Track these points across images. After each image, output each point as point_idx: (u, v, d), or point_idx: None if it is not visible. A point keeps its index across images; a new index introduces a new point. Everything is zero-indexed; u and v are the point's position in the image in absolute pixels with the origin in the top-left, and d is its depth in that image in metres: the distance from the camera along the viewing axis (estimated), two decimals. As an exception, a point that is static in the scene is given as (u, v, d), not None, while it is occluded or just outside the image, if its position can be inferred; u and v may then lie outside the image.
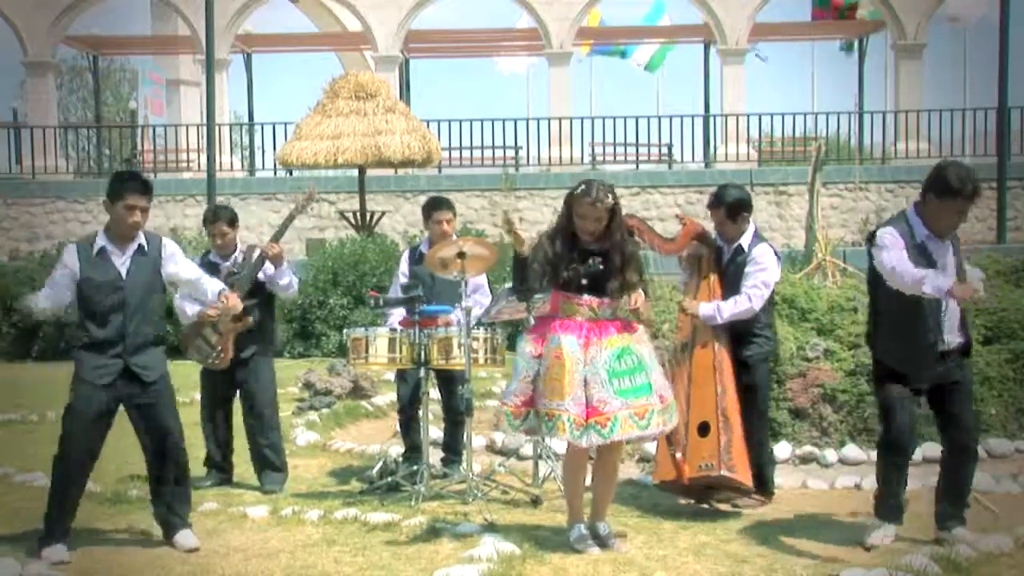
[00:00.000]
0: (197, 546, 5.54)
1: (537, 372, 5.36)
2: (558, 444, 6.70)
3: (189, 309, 6.43)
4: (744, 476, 5.95)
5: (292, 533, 5.81)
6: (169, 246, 5.67)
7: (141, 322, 5.48)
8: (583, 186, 5.42)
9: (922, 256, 5.25)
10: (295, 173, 21.59)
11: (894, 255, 5.19)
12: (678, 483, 6.09)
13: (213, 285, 5.87)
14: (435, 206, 7.18)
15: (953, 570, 4.91)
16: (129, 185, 5.50)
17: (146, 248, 5.55)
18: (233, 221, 6.98)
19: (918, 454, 6.35)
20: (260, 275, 6.79)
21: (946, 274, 5.15)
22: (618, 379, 5.27)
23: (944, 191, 5.20)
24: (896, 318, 5.38)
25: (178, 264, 5.68)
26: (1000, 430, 7.45)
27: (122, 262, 5.49)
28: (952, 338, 5.37)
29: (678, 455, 5.99)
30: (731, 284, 6.19)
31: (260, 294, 6.84)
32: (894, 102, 24.56)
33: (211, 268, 6.84)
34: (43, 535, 5.47)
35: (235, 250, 6.98)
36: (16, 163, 23.75)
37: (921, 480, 5.97)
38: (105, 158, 27.54)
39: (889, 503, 5.48)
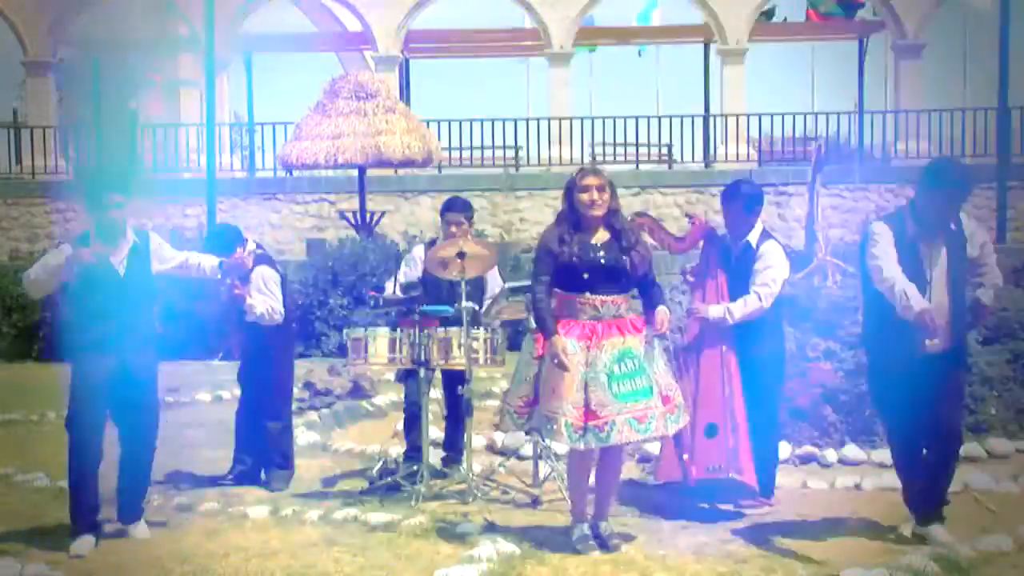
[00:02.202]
0: (147, 536, 5.69)
1: (538, 372, 5.38)
2: (558, 444, 6.71)
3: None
4: (751, 478, 5.95)
5: (292, 533, 5.81)
6: (154, 239, 5.77)
7: (134, 322, 5.54)
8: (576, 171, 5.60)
9: (910, 255, 5.26)
10: (295, 173, 21.58)
11: (881, 251, 5.24)
12: (683, 484, 6.07)
13: (205, 259, 5.96)
14: (448, 207, 7.08)
15: (953, 570, 4.92)
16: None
17: (138, 245, 5.64)
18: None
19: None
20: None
21: (923, 298, 5.12)
22: (617, 383, 5.26)
23: (932, 185, 5.23)
24: (881, 315, 5.40)
25: (163, 254, 5.77)
26: (1000, 430, 7.44)
27: (118, 262, 5.54)
28: (937, 341, 5.32)
29: (685, 456, 5.97)
30: (739, 282, 6.16)
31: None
32: (894, 102, 24.55)
33: None
34: (71, 529, 5.60)
35: None
36: (16, 163, 23.75)
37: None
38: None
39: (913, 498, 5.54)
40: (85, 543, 5.49)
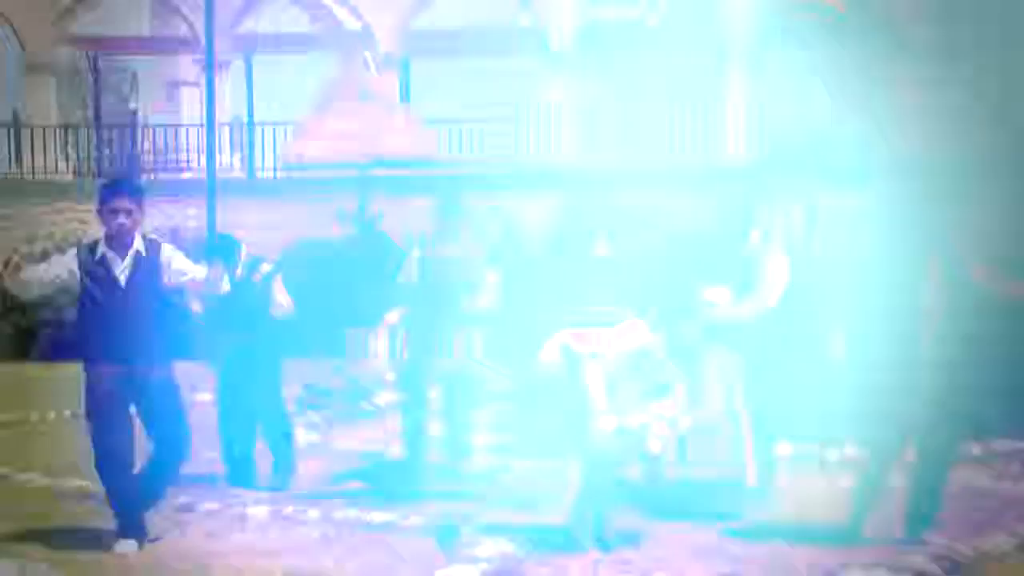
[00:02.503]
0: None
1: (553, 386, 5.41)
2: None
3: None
4: (751, 478, 5.97)
5: (292, 533, 5.81)
6: (167, 250, 5.66)
7: (142, 328, 5.48)
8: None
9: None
10: (296, 173, 21.55)
11: None
12: (684, 484, 6.08)
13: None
14: None
15: (953, 570, 4.92)
16: (107, 190, 5.58)
17: (144, 256, 5.51)
18: None
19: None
20: None
21: None
22: (639, 382, 5.30)
23: None
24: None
25: (175, 266, 5.66)
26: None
27: (121, 269, 5.47)
28: None
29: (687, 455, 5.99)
30: (740, 283, 6.16)
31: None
32: (894, 102, 24.54)
33: None
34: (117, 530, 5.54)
35: None
36: (16, 163, 23.74)
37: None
38: (105, 158, 27.48)
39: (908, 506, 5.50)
40: (125, 546, 5.46)
